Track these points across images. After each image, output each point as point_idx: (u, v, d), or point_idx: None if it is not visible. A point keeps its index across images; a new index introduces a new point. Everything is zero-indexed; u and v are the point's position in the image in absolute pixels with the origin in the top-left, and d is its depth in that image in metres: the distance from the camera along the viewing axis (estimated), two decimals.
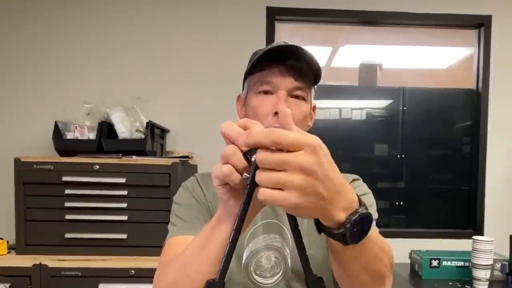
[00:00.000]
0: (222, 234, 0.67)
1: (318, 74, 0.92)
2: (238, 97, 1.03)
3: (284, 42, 0.93)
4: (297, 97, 0.91)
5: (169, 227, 0.94)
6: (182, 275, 0.71)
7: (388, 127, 2.79)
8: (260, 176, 0.50)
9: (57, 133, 2.12)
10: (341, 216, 0.54)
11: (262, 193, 0.50)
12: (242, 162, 0.57)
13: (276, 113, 0.88)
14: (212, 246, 0.68)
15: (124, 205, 1.94)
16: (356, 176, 1.04)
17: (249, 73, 0.94)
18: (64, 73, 2.48)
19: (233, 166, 0.57)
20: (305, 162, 0.48)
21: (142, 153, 2.06)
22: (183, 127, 2.52)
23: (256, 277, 0.94)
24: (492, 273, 2.14)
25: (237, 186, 0.60)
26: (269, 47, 0.89)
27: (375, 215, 0.96)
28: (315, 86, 0.97)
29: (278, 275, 0.94)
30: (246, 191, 0.58)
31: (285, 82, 0.89)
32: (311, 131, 1.01)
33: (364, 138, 2.79)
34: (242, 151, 0.59)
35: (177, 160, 1.99)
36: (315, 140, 0.50)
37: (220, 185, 0.62)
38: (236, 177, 0.58)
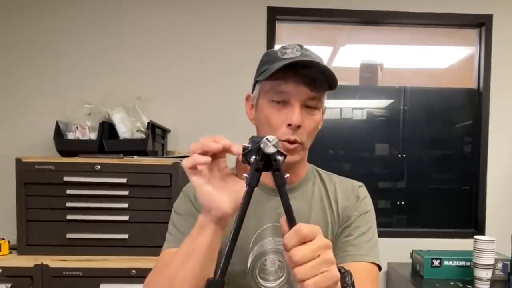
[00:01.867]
0: (205, 242, 0.72)
1: (334, 82, 0.91)
2: (248, 96, 1.01)
3: (299, 46, 0.91)
4: (310, 106, 0.91)
5: (167, 235, 0.94)
6: (171, 283, 0.73)
7: (389, 126, 2.79)
8: (306, 271, 0.57)
9: (58, 133, 2.12)
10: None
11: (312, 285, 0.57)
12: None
13: (289, 125, 0.88)
14: (196, 255, 0.72)
15: (125, 205, 1.94)
16: (361, 183, 1.05)
17: (263, 79, 0.92)
18: (65, 74, 2.49)
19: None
20: (326, 240, 0.60)
21: (143, 153, 2.06)
22: (184, 127, 2.52)
23: (260, 280, 0.94)
24: (493, 272, 2.14)
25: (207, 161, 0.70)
26: (279, 55, 0.88)
27: (374, 237, 0.97)
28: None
29: (282, 279, 0.94)
30: (246, 191, 0.59)
31: (299, 93, 0.88)
32: (320, 131, 1.01)
33: (365, 137, 2.79)
34: (243, 149, 0.62)
35: (178, 160, 1.99)
36: (315, 225, 0.60)
37: (191, 168, 0.71)
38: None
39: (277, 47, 1.00)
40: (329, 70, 0.88)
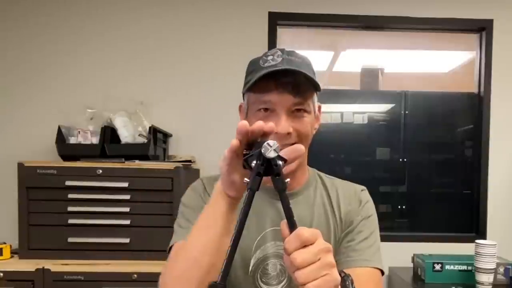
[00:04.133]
0: (223, 210, 0.73)
1: (316, 84, 0.91)
2: (240, 106, 1.02)
3: (281, 51, 0.91)
4: (298, 110, 0.90)
5: (175, 227, 0.94)
6: (189, 263, 0.74)
7: (390, 131, 2.79)
8: (307, 274, 0.57)
9: (60, 138, 2.14)
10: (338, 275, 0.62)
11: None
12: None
13: (276, 133, 0.86)
14: (214, 224, 0.73)
15: (127, 209, 1.95)
16: (363, 187, 1.04)
17: (247, 90, 0.93)
18: (67, 78, 2.50)
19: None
20: (327, 244, 0.60)
21: (144, 157, 2.07)
22: (186, 132, 2.53)
23: (262, 284, 0.94)
24: (495, 277, 2.14)
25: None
26: (261, 63, 0.89)
27: (377, 241, 0.96)
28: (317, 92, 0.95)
29: (283, 283, 0.94)
30: (246, 196, 0.60)
31: (283, 100, 0.88)
32: (318, 131, 1.00)
33: (366, 142, 2.79)
34: (244, 155, 0.62)
35: (179, 164, 2.00)
36: (315, 229, 0.61)
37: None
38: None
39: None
40: (308, 75, 0.87)
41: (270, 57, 0.90)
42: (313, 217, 0.97)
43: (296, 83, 0.87)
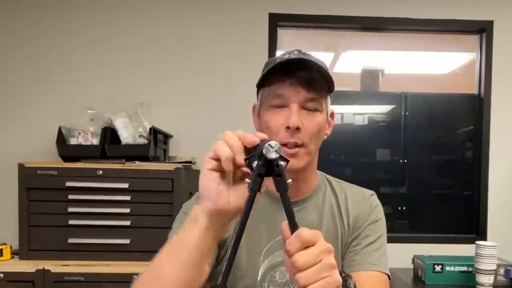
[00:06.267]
0: (193, 237, 0.66)
1: (331, 82, 0.89)
2: (254, 107, 0.99)
3: (298, 51, 0.90)
4: (310, 108, 0.88)
5: (170, 233, 0.91)
6: (154, 278, 0.69)
7: (390, 132, 2.79)
8: (309, 276, 0.57)
9: (61, 139, 2.14)
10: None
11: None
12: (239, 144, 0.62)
13: (288, 128, 0.85)
14: (182, 248, 0.67)
15: (127, 210, 1.95)
16: (372, 192, 1.03)
17: (260, 85, 0.91)
18: (68, 79, 2.50)
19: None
20: (328, 245, 0.60)
21: (145, 158, 2.07)
22: (186, 132, 2.53)
23: None
24: (495, 278, 2.14)
25: (228, 167, 0.62)
26: (278, 60, 0.87)
27: (383, 246, 0.95)
28: (331, 94, 0.94)
29: None
30: (248, 196, 0.60)
31: (296, 94, 0.86)
32: (329, 137, 0.97)
33: (366, 143, 2.79)
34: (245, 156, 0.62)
35: (180, 165, 2.00)
36: (316, 230, 0.60)
37: (211, 169, 0.64)
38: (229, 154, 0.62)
39: (279, 53, 0.98)
40: (323, 69, 0.86)
41: (286, 55, 0.89)
42: (322, 223, 0.96)
43: (311, 79, 0.86)
